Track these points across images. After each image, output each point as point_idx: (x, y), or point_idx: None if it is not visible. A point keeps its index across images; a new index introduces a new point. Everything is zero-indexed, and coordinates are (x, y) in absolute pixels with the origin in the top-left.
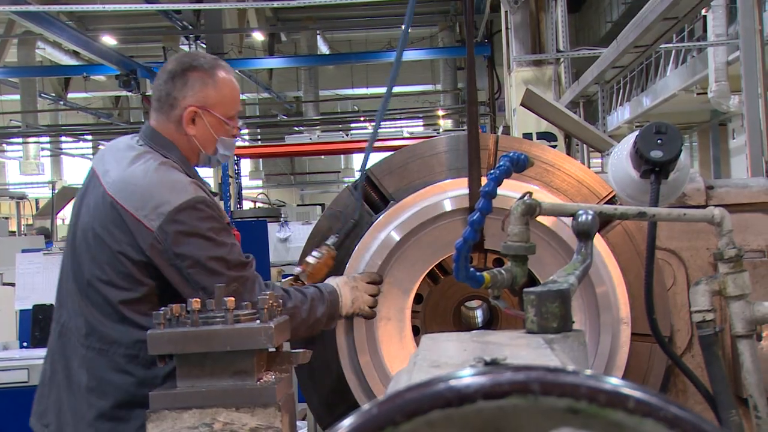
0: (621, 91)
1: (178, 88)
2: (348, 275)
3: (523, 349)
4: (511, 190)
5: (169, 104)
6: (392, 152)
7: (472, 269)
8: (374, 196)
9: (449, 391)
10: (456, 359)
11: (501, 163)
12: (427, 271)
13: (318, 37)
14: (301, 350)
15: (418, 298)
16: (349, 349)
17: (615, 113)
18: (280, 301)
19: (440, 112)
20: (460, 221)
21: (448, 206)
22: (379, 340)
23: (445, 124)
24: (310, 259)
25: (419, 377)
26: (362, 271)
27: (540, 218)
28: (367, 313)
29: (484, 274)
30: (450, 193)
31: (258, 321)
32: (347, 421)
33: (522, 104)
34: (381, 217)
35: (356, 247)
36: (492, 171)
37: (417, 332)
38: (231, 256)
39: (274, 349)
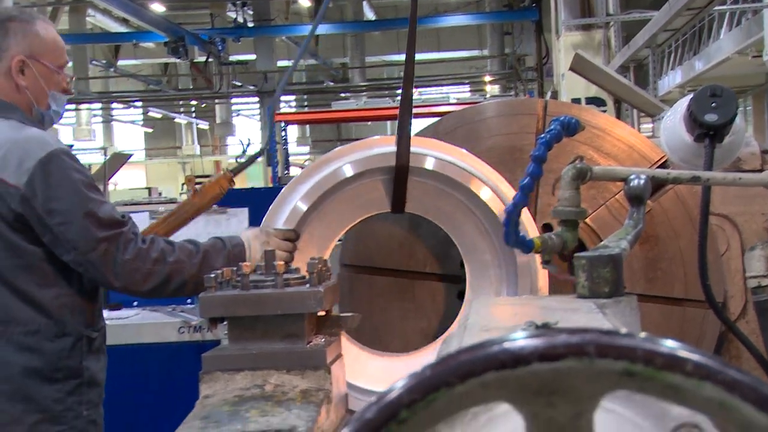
0: (672, 54)
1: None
2: (260, 228)
3: (574, 314)
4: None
5: None
6: (438, 118)
7: (522, 234)
8: None
9: (504, 353)
10: (507, 323)
11: (551, 127)
12: (348, 227)
13: (364, 2)
14: (350, 314)
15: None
16: None
17: (666, 78)
18: (182, 253)
19: (487, 78)
20: (381, 181)
21: (348, 171)
22: None
23: (492, 89)
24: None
25: (470, 341)
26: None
27: (464, 182)
28: None
29: (534, 239)
30: (369, 152)
31: (308, 285)
32: (401, 383)
33: (571, 69)
34: (285, 187)
35: (264, 217)
36: (542, 135)
37: (463, 296)
38: (102, 212)
39: (323, 313)
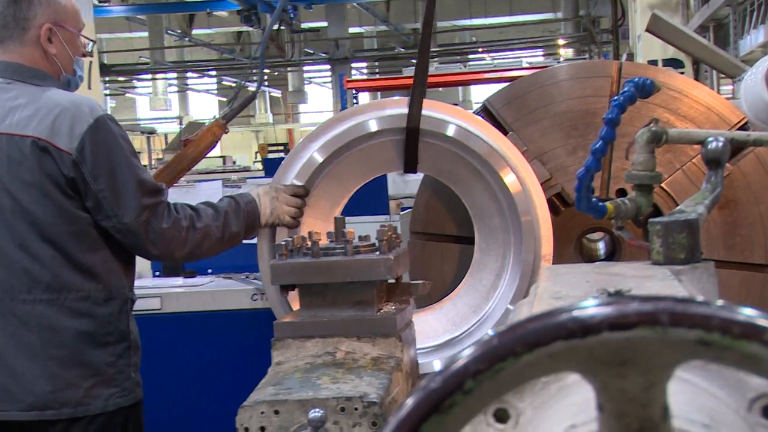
0: (755, 13)
1: (24, 9)
2: (270, 185)
3: (648, 281)
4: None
5: (21, 27)
6: (510, 82)
7: (594, 199)
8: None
9: (573, 322)
10: (578, 291)
11: (625, 88)
12: (359, 187)
13: None
14: (420, 281)
15: None
16: (269, 256)
17: (748, 37)
18: (206, 218)
19: (561, 41)
20: (391, 142)
21: (373, 126)
22: None
23: (566, 53)
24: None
25: (541, 309)
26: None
27: (473, 145)
28: (288, 223)
29: (607, 204)
30: (381, 112)
31: (377, 252)
32: (466, 352)
33: (647, 30)
34: (304, 137)
35: (280, 166)
36: (616, 97)
37: None
38: (146, 180)
39: (393, 280)
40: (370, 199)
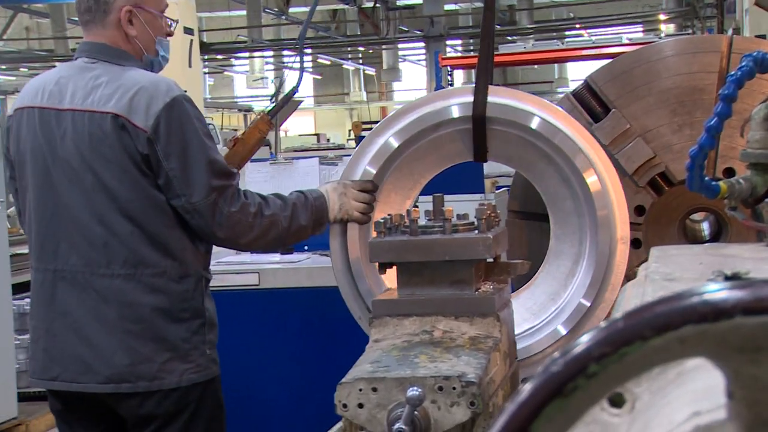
0: None
1: None
2: (338, 181)
3: (765, 263)
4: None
5: (102, 11)
6: (612, 59)
7: (707, 178)
8: (595, 104)
9: (704, 305)
10: (691, 273)
11: (743, 63)
12: (431, 178)
13: None
14: (519, 261)
15: (640, 210)
16: (342, 252)
17: None
18: (275, 207)
19: (662, 17)
20: (466, 131)
21: (455, 112)
22: None
23: (667, 28)
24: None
25: (652, 290)
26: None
27: (541, 129)
28: (357, 218)
29: (721, 183)
30: (456, 99)
31: (476, 231)
32: (588, 336)
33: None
34: (379, 123)
35: (353, 153)
36: (732, 72)
37: (639, 245)
38: (218, 162)
39: (492, 260)
40: (466, 177)
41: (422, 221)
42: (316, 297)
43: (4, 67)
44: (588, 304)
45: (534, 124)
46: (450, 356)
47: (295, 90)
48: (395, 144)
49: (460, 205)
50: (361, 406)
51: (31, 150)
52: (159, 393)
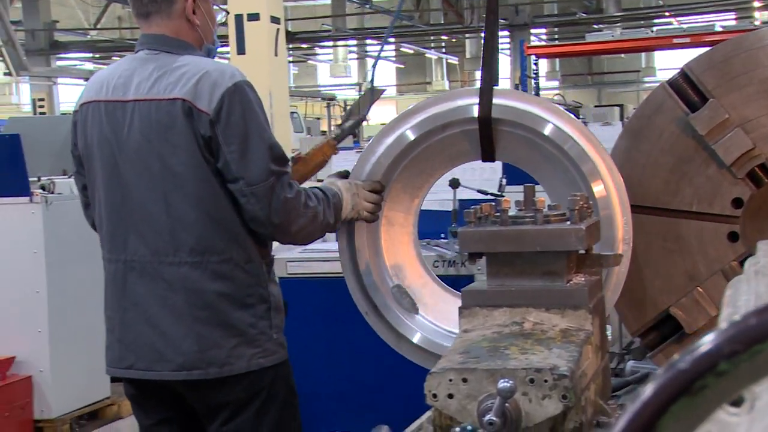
0: None
1: None
2: (350, 181)
3: None
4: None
5: (168, 1)
6: (708, 47)
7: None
8: (691, 93)
9: None
10: None
11: None
12: (440, 177)
13: None
14: (611, 253)
15: (737, 202)
16: (350, 252)
17: None
18: (316, 200)
19: (756, 3)
20: (466, 131)
21: (464, 113)
22: (381, 245)
23: (762, 15)
24: (310, 147)
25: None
26: (365, 179)
27: (548, 132)
28: (366, 218)
29: None
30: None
31: (569, 222)
32: (717, 333)
33: None
34: (393, 118)
35: (364, 149)
36: None
37: (735, 238)
38: (277, 147)
39: (583, 251)
40: None
41: (512, 212)
42: None
43: (97, 55)
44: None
45: (547, 130)
46: (541, 348)
47: (362, 119)
48: (410, 137)
49: (543, 195)
50: (451, 396)
51: (98, 143)
52: (229, 379)
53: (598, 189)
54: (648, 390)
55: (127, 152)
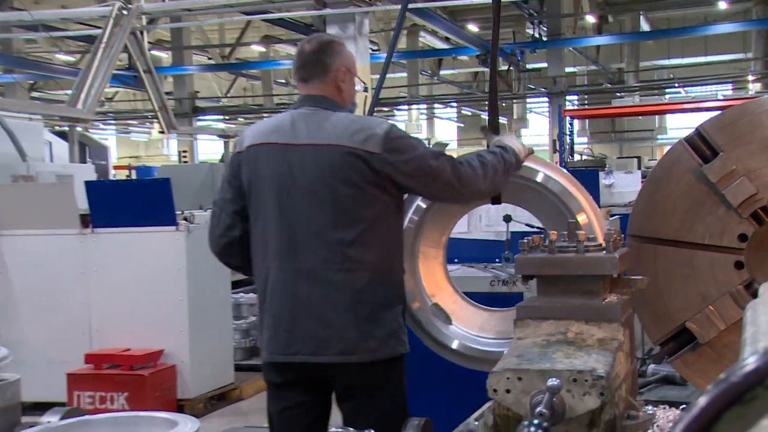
0: None
1: (328, 55)
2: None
3: None
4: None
5: (323, 70)
6: (717, 111)
7: None
8: (704, 148)
9: None
10: None
11: None
12: (461, 217)
13: (641, 16)
14: (639, 277)
15: (742, 237)
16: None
17: None
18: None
19: (750, 77)
20: None
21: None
22: (419, 274)
23: (755, 87)
24: None
25: None
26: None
27: (539, 179)
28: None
29: None
30: None
31: (604, 252)
32: (762, 354)
33: None
34: None
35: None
36: None
37: (741, 267)
38: (427, 152)
39: (616, 275)
40: None
41: (558, 242)
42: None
43: (227, 117)
44: None
45: (539, 178)
46: (582, 354)
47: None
48: (423, 205)
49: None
50: (508, 391)
51: (270, 176)
52: (376, 364)
53: (582, 218)
54: (705, 399)
55: (301, 184)
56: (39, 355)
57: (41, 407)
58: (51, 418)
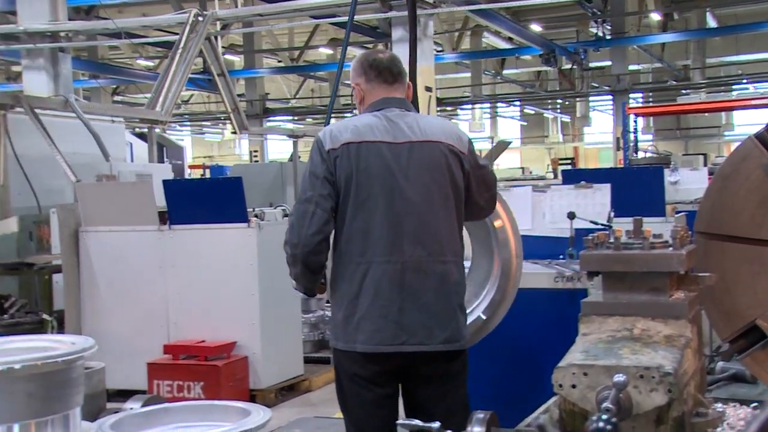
0: None
1: (401, 65)
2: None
3: None
4: None
5: (403, 79)
6: None
7: None
8: None
9: None
10: None
11: None
12: None
13: (707, 12)
14: (707, 274)
15: None
16: None
17: None
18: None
19: None
20: None
21: None
22: None
23: None
24: None
25: None
26: None
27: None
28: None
29: None
30: None
31: (671, 248)
32: None
33: None
34: None
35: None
36: None
37: None
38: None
39: (683, 272)
40: (649, 204)
41: (623, 239)
42: (528, 296)
43: (296, 118)
44: (499, 298)
45: None
46: (649, 350)
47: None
48: None
49: (646, 226)
50: (574, 386)
51: (377, 172)
52: (462, 353)
53: (497, 223)
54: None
55: (409, 179)
56: (121, 344)
57: (123, 394)
58: (133, 405)
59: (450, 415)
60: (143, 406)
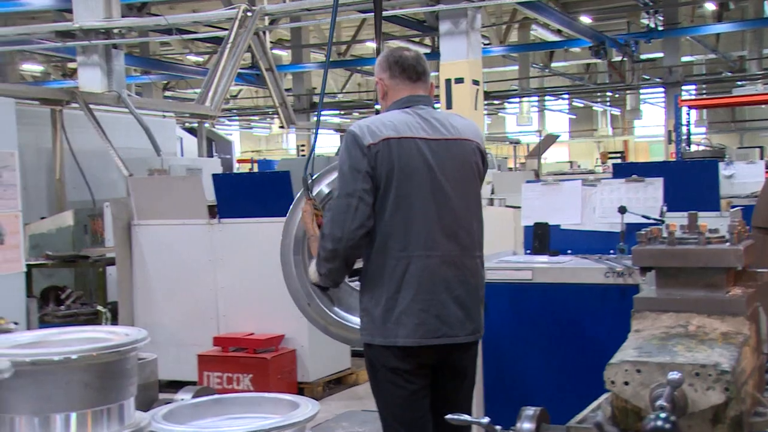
0: None
1: (427, 66)
2: None
3: None
4: None
5: (426, 77)
6: None
7: None
8: None
9: None
10: None
11: None
12: None
13: (765, 2)
14: (766, 270)
15: None
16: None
17: None
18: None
19: None
20: None
21: None
22: None
23: None
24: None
25: None
26: None
27: None
28: None
29: None
30: None
31: (728, 243)
32: None
33: None
34: None
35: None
36: None
37: None
38: None
39: (740, 268)
40: (705, 198)
41: (678, 234)
42: (578, 291)
43: (342, 112)
44: None
45: None
46: (705, 347)
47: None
48: None
49: (701, 220)
50: (626, 383)
51: (418, 168)
52: (477, 345)
53: None
54: None
55: (446, 174)
56: (172, 336)
57: (173, 385)
58: (184, 396)
59: (464, 402)
60: (194, 397)
